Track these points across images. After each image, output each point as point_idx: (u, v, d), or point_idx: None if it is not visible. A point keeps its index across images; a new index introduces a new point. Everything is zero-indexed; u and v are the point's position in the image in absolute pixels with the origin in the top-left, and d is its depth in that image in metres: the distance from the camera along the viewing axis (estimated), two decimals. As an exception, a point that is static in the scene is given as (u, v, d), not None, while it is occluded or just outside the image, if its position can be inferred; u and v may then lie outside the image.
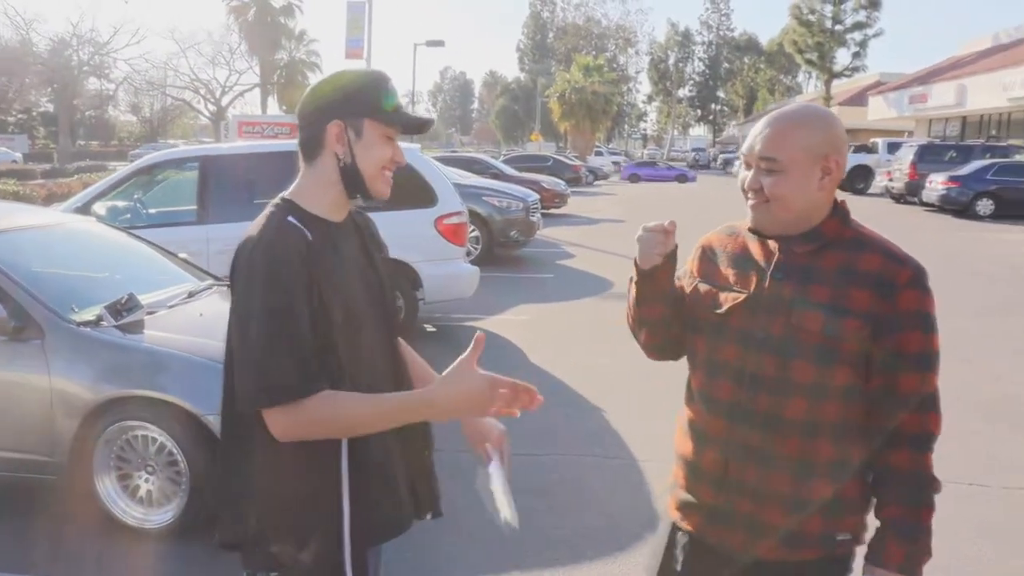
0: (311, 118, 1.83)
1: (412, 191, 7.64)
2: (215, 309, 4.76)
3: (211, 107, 59.90)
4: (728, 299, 1.90)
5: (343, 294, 1.79)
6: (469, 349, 1.67)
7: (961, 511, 4.43)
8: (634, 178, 44.87)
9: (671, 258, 1.92)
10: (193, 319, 4.50)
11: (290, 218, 1.79)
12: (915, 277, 1.79)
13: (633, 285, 2.01)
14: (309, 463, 1.77)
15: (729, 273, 1.94)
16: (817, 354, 1.79)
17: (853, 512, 1.88)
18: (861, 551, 1.87)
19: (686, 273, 2.05)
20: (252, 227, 1.79)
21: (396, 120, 1.84)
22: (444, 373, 1.69)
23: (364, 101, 1.82)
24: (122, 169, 8.26)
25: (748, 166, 1.87)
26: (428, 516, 2.05)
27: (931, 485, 1.82)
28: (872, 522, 1.88)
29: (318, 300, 1.73)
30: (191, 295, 4.83)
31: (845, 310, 1.77)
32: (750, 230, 1.93)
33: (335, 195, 1.86)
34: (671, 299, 2.00)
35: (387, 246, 2.09)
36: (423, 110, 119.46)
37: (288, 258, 1.71)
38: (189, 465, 3.94)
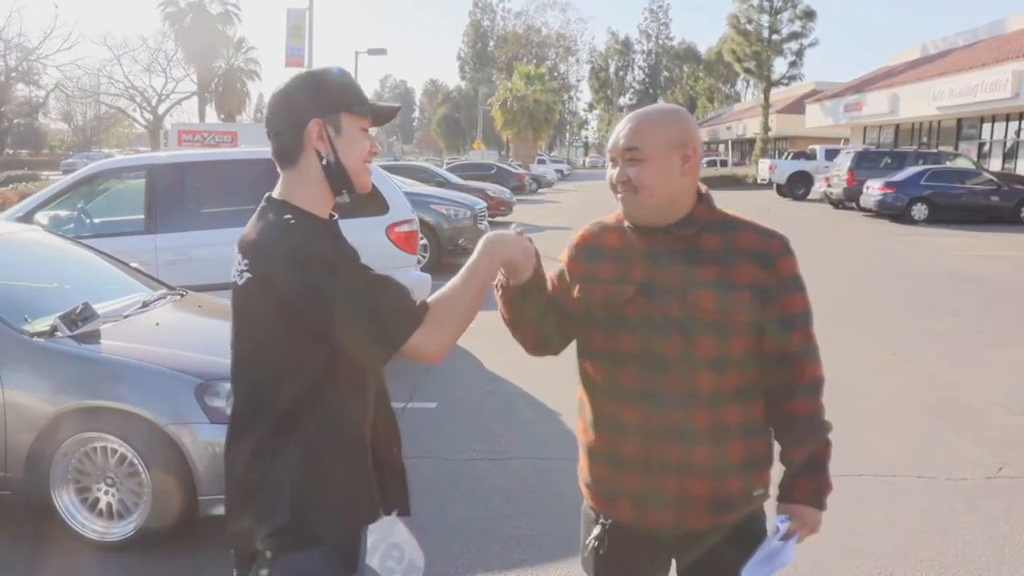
0: (286, 123, 1.83)
1: (363, 199, 7.59)
2: (171, 319, 4.74)
3: (147, 115, 58.61)
4: (620, 291, 1.98)
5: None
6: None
7: (912, 501, 4.62)
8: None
9: (538, 264, 2.00)
10: (150, 329, 4.47)
11: (287, 216, 1.80)
12: (784, 245, 1.98)
13: (501, 293, 2.06)
14: (332, 451, 1.84)
15: (612, 267, 2.01)
16: (715, 329, 1.92)
17: (764, 467, 2.06)
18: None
19: (560, 274, 2.12)
20: (257, 230, 1.81)
21: (369, 111, 1.89)
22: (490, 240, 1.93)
23: (338, 96, 1.85)
24: (65, 178, 8.10)
25: (614, 163, 2.00)
26: (395, 513, 2.07)
27: (824, 425, 2.04)
28: (775, 472, 2.07)
29: None
30: (145, 305, 4.79)
31: (734, 284, 1.92)
32: (626, 224, 2.03)
33: (321, 195, 1.87)
34: (543, 298, 2.06)
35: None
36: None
37: (323, 242, 1.81)
38: (151, 476, 3.92)
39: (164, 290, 5.23)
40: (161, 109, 58.01)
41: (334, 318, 1.71)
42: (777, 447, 2.08)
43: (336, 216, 1.96)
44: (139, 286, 5.19)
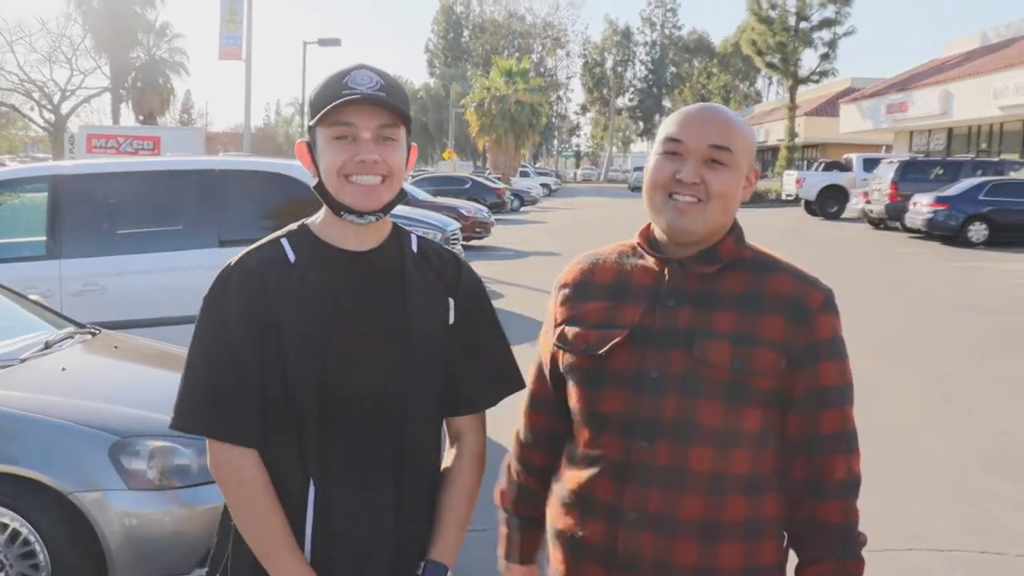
0: None
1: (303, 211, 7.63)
2: (80, 363, 4.71)
3: (48, 115, 58.33)
4: (606, 337, 1.89)
5: (321, 325, 1.89)
6: None
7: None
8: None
9: None
10: (53, 375, 4.44)
11: (284, 240, 1.96)
12: (828, 300, 1.88)
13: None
14: (277, 478, 1.92)
15: (601, 307, 1.94)
16: (726, 393, 1.81)
17: (770, 536, 1.89)
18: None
19: (550, 323, 2.07)
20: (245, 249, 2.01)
21: (333, 116, 1.86)
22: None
23: (313, 106, 1.91)
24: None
25: (675, 155, 1.87)
26: None
27: (858, 539, 1.89)
28: None
29: (274, 334, 1.86)
30: (48, 345, 4.76)
31: (757, 339, 1.82)
32: (630, 248, 1.99)
33: (331, 218, 1.96)
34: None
35: (472, 294, 2.09)
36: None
37: (242, 289, 1.89)
38: (50, 556, 3.85)
39: (71, 327, 5.20)
40: (65, 108, 57.48)
41: None
42: (792, 558, 1.94)
43: (422, 243, 2.09)
44: (40, 323, 5.16)
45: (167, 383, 4.68)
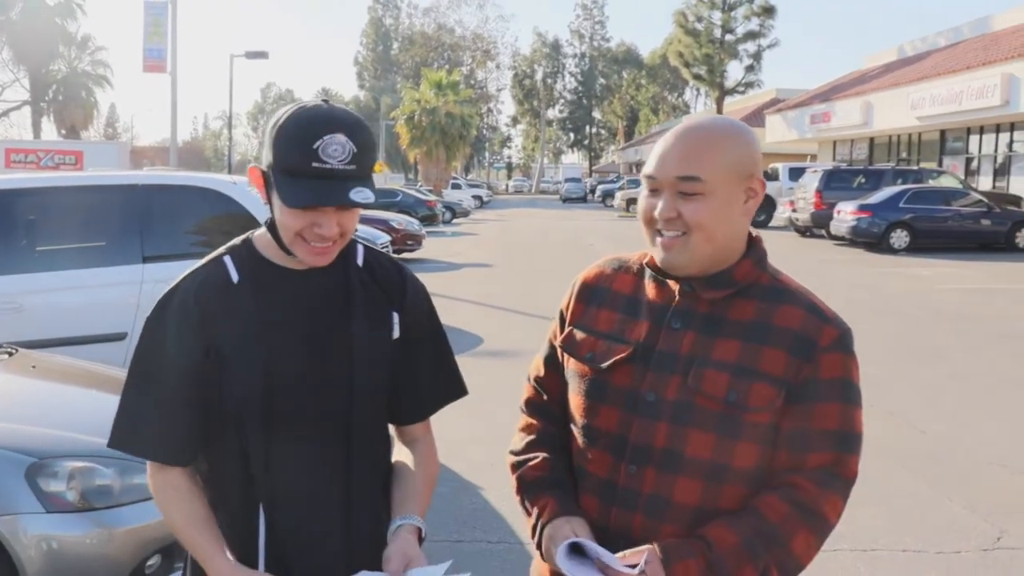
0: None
1: (240, 234, 7.55)
2: (-3, 383, 4.60)
3: (-36, 128, 57.04)
4: (611, 350, 1.88)
5: (264, 343, 1.87)
6: None
7: (894, 581, 4.74)
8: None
9: None
10: (-32, 396, 4.33)
11: (226, 258, 1.94)
12: (841, 339, 1.80)
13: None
14: (226, 503, 1.94)
15: (613, 318, 1.92)
16: (720, 425, 1.76)
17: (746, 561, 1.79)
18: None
19: (560, 317, 2.05)
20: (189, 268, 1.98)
21: (290, 200, 1.78)
22: (248, 571, 1.86)
23: (278, 152, 1.80)
24: None
25: (654, 192, 1.83)
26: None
27: (782, 559, 1.77)
28: None
29: (215, 355, 1.86)
30: (-37, 367, 4.65)
31: (755, 372, 1.76)
32: (654, 269, 1.90)
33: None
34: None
35: (417, 306, 2.08)
36: (241, 134, 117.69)
37: (180, 314, 1.87)
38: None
39: (-13, 348, 5.08)
40: (-18, 121, 56.42)
41: None
42: None
43: (368, 255, 2.06)
44: (-45, 344, 5.02)
45: (88, 402, 4.66)
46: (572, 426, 1.96)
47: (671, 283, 1.87)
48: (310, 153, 1.74)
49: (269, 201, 1.87)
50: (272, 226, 1.90)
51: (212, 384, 1.86)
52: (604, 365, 1.87)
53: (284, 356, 1.88)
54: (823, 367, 1.77)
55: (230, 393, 1.86)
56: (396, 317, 2.01)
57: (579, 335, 1.95)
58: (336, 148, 1.75)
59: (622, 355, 1.85)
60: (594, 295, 1.98)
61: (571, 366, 1.96)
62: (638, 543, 1.76)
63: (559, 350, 2.01)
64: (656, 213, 1.81)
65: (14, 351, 5.15)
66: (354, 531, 1.96)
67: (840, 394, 1.78)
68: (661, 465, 1.79)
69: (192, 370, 1.86)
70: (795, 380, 1.76)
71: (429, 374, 2.10)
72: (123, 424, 1.91)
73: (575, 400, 1.93)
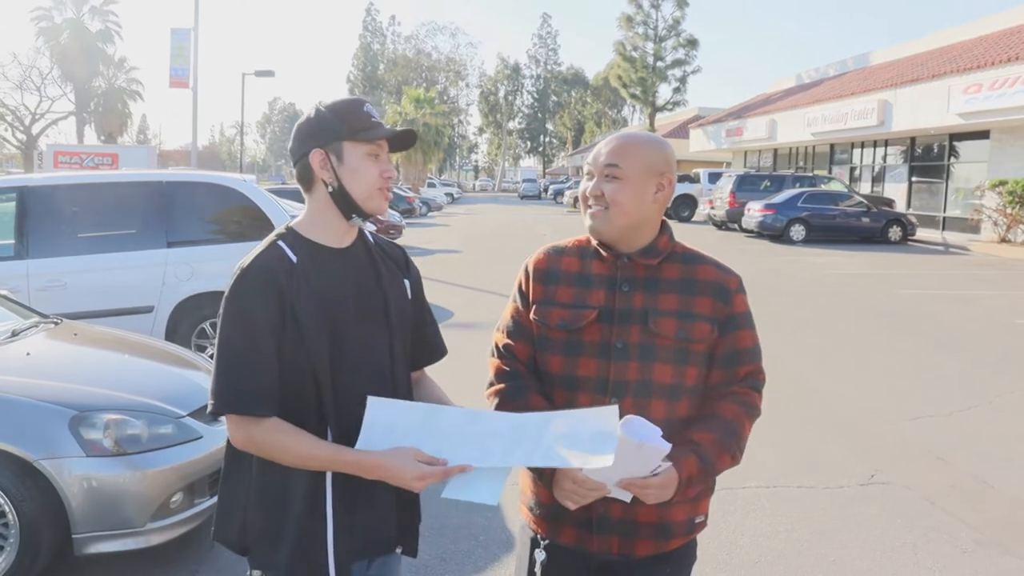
0: (296, 152, 1.96)
1: (250, 224, 7.50)
2: (43, 348, 4.54)
3: (20, 135, 55.67)
4: (579, 316, 2.00)
5: (327, 314, 1.88)
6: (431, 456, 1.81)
7: (793, 510, 4.81)
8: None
9: None
10: (20, 358, 4.27)
11: (280, 243, 1.93)
12: (740, 282, 2.07)
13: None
14: (296, 472, 1.88)
15: (570, 292, 2.04)
16: (674, 356, 1.97)
17: (705, 495, 2.07)
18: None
19: (520, 296, 2.12)
20: (249, 252, 1.94)
21: (374, 136, 1.92)
22: (391, 449, 1.81)
23: (338, 125, 1.91)
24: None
25: (591, 176, 2.04)
26: (399, 550, 2.07)
27: (741, 443, 1.99)
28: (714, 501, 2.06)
29: (292, 321, 1.84)
30: (15, 334, 4.58)
31: (693, 314, 1.98)
32: (586, 243, 2.08)
33: (332, 220, 1.96)
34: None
35: (416, 274, 2.15)
36: (251, 140, 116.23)
37: (259, 286, 1.84)
38: (19, 516, 3.71)
39: (36, 318, 5.01)
40: (35, 129, 55.04)
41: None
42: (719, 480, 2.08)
43: (389, 243, 2.12)
44: (8, 314, 4.96)
45: (120, 364, 4.61)
46: (550, 381, 2.04)
47: (609, 258, 2.03)
48: (365, 114, 1.94)
49: (336, 175, 1.91)
50: (340, 194, 1.91)
51: (291, 342, 1.85)
52: (576, 327, 2.00)
53: (342, 320, 1.92)
54: (736, 304, 2.03)
55: (305, 348, 1.85)
56: (407, 283, 2.10)
57: (546, 309, 2.05)
58: (373, 110, 1.97)
59: (592, 317, 1.99)
60: (548, 276, 2.09)
61: (546, 333, 2.05)
62: None
63: (534, 323, 2.07)
64: (588, 192, 2.03)
65: (59, 321, 5.09)
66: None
67: (749, 322, 2.06)
68: (636, 393, 1.95)
69: (277, 332, 1.84)
70: (721, 316, 2.00)
71: (428, 331, 2.17)
72: (227, 391, 1.82)
73: (554, 360, 2.03)
